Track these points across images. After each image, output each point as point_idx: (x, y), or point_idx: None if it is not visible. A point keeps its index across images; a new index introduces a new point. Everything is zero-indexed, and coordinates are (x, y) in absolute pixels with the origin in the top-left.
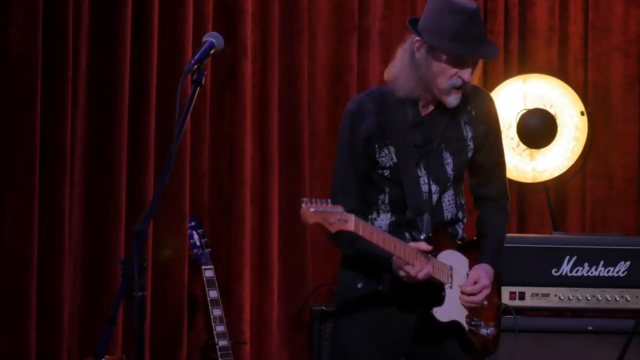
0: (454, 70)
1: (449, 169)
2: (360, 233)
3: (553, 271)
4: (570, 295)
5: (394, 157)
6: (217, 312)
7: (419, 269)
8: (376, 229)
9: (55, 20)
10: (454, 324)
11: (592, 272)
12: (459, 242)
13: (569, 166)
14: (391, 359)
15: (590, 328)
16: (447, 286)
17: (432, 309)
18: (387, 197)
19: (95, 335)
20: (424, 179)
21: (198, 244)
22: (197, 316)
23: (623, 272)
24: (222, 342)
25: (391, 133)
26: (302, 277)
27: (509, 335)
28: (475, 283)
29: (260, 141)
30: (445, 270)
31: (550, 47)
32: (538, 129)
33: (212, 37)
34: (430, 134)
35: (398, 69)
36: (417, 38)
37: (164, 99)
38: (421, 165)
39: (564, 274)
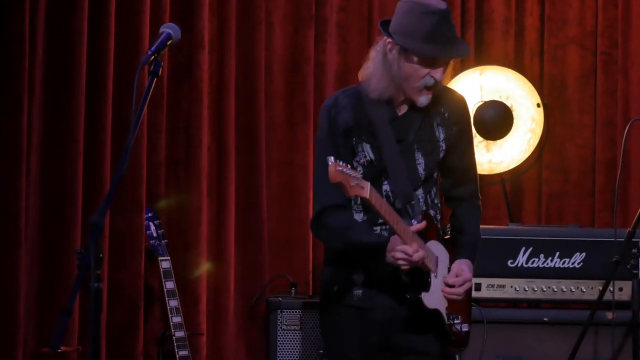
0: (426, 70)
1: (420, 168)
2: (373, 201)
3: (509, 262)
4: (526, 287)
5: (368, 154)
6: (173, 303)
7: (416, 249)
8: (385, 202)
9: (11, 10)
10: (436, 313)
11: (547, 264)
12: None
13: (524, 158)
14: (370, 353)
15: (545, 319)
16: (433, 275)
17: (420, 294)
18: (359, 197)
19: (52, 326)
20: None
21: (155, 235)
22: (153, 307)
23: (578, 264)
24: (179, 333)
25: (369, 128)
26: (259, 268)
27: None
28: (457, 276)
29: (217, 132)
30: (432, 259)
31: (506, 39)
32: (494, 120)
33: (169, 28)
34: (404, 134)
35: (371, 70)
36: (389, 40)
37: (121, 89)
38: None
39: (519, 265)
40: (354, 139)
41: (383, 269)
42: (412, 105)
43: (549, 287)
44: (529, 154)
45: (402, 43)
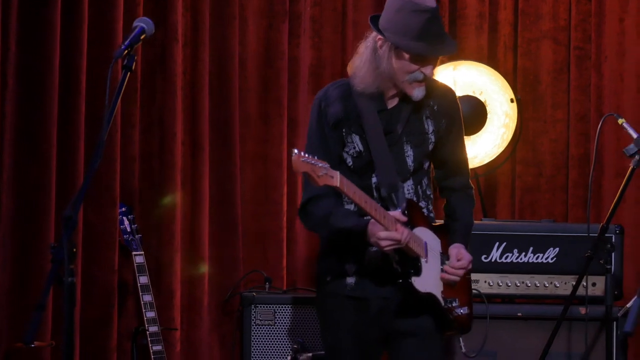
0: (415, 67)
1: (409, 160)
2: (345, 190)
3: (482, 257)
4: (499, 282)
5: (357, 145)
6: (147, 298)
7: (402, 231)
8: (359, 190)
9: None
10: (431, 297)
11: (521, 259)
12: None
13: (498, 153)
14: (367, 349)
15: (519, 314)
16: (423, 260)
17: (410, 278)
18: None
19: (25, 321)
20: None
21: (129, 229)
22: (127, 302)
23: (552, 259)
24: (153, 328)
25: (358, 120)
26: (233, 262)
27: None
28: (458, 260)
29: (190, 126)
30: (420, 244)
31: (480, 33)
32: (468, 115)
33: (143, 22)
34: (392, 126)
35: (358, 64)
36: (380, 36)
37: (95, 83)
38: None
39: (493, 260)
40: (343, 130)
41: (373, 257)
42: (402, 99)
43: (523, 282)
44: (502, 148)
45: (394, 41)
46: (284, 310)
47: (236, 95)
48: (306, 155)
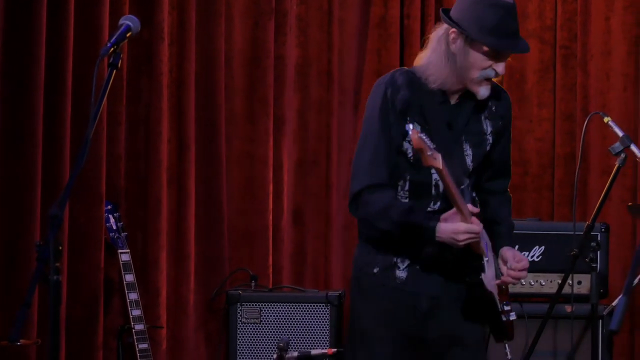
0: (489, 62)
1: (469, 160)
2: (444, 172)
3: None
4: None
5: None
6: (133, 296)
7: (479, 224)
8: (451, 178)
9: None
10: (491, 298)
11: None
12: None
13: None
14: (404, 343)
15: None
16: (485, 259)
17: (480, 275)
18: (407, 183)
19: (11, 319)
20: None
21: (114, 227)
22: (113, 300)
23: (538, 257)
24: (138, 326)
25: (423, 111)
26: (219, 260)
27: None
28: (518, 262)
29: (177, 124)
30: (484, 243)
31: None
32: None
33: (129, 20)
34: (454, 122)
35: (430, 59)
36: (453, 29)
37: (80, 81)
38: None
39: None
40: (408, 118)
41: (429, 252)
42: (464, 97)
43: None
44: None
45: (472, 34)
46: (269, 308)
47: (222, 93)
48: (420, 132)
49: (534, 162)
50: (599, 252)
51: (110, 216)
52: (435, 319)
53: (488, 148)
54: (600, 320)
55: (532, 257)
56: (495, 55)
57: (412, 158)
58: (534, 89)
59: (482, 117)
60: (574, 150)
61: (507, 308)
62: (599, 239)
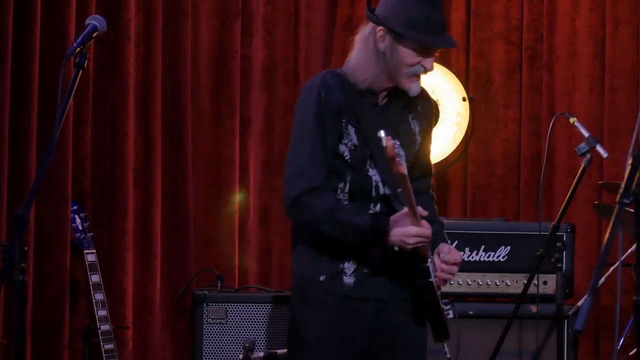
0: (418, 59)
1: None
2: (407, 179)
3: None
4: (451, 280)
5: (353, 138)
6: (99, 296)
7: (429, 227)
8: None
9: None
10: (436, 299)
11: (472, 257)
12: None
13: (450, 152)
14: (350, 352)
15: (470, 312)
16: (429, 260)
17: (430, 278)
18: (347, 185)
19: None
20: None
21: (80, 228)
22: (79, 300)
23: (503, 257)
24: (104, 327)
25: (356, 113)
26: (185, 261)
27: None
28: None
29: (143, 124)
30: (427, 245)
31: None
32: None
33: (95, 20)
34: (385, 123)
35: (359, 59)
36: (380, 27)
37: (47, 81)
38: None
39: None
40: (343, 120)
41: (374, 255)
42: (390, 98)
43: (474, 281)
44: (454, 147)
45: (399, 30)
46: (235, 308)
47: (188, 94)
48: (392, 139)
49: (500, 163)
50: (564, 252)
51: (76, 216)
52: (382, 324)
53: (417, 148)
54: (566, 321)
55: (497, 257)
56: (424, 51)
57: (349, 160)
58: (500, 90)
59: (410, 117)
60: (539, 150)
61: (446, 307)
62: (564, 239)
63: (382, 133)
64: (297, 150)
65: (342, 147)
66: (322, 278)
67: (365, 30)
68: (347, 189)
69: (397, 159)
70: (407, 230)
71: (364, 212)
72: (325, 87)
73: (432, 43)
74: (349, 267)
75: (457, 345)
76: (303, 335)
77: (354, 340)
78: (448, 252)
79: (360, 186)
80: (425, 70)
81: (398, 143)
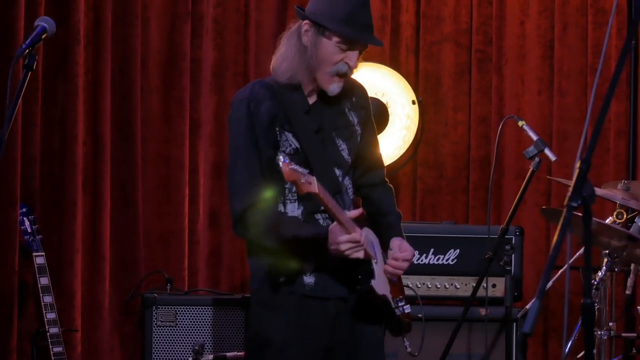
0: (341, 55)
1: (345, 154)
2: (322, 195)
3: None
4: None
5: (293, 142)
6: (48, 299)
7: (360, 232)
8: (327, 193)
9: None
10: (384, 300)
11: (422, 260)
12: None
13: (400, 154)
14: (313, 351)
15: (420, 315)
16: (374, 262)
17: (370, 282)
18: (294, 186)
19: None
20: None
21: (29, 230)
22: (27, 303)
23: (452, 260)
24: (53, 330)
25: (289, 118)
26: (134, 263)
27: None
28: (401, 251)
29: (92, 125)
30: (370, 246)
31: (382, 36)
32: None
33: (44, 22)
34: (320, 122)
35: (282, 54)
36: (306, 22)
37: None
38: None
39: None
40: (277, 128)
41: (329, 256)
42: (321, 94)
43: (424, 284)
44: (404, 150)
45: (323, 22)
46: (185, 311)
47: (138, 95)
48: (292, 163)
49: (449, 165)
50: (513, 255)
51: (25, 219)
52: (342, 322)
53: (359, 139)
54: (515, 323)
55: (447, 260)
56: (347, 46)
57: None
58: (449, 93)
59: (346, 109)
60: (489, 153)
61: (401, 303)
62: (513, 242)
63: (280, 158)
64: (234, 167)
65: (281, 155)
66: (282, 279)
67: (292, 27)
68: (294, 189)
69: (302, 180)
70: (338, 239)
71: (306, 224)
72: (254, 99)
73: (355, 37)
74: (308, 267)
75: (421, 339)
76: (266, 337)
77: (316, 339)
78: (398, 248)
79: None
80: (350, 69)
81: (295, 165)
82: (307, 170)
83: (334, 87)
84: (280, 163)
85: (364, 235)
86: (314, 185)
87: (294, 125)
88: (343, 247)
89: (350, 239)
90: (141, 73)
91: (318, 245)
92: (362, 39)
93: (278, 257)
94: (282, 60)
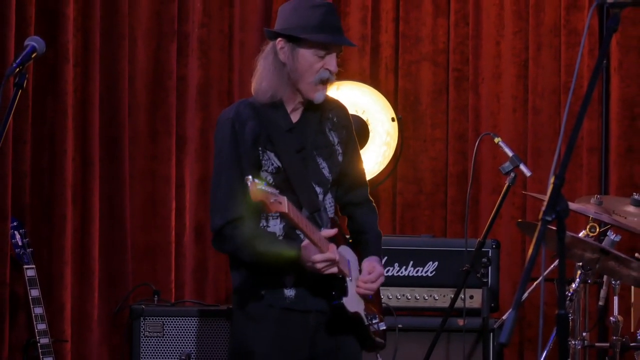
0: (321, 62)
1: (326, 172)
2: (291, 215)
3: None
4: (380, 295)
5: (275, 161)
6: (38, 310)
7: (334, 250)
8: (300, 214)
9: None
10: (357, 317)
11: (402, 272)
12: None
13: (380, 170)
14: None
15: (400, 326)
16: (348, 279)
17: (342, 299)
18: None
19: None
20: None
21: (20, 243)
22: (18, 315)
23: (431, 272)
24: (44, 340)
25: (271, 138)
26: (122, 276)
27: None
28: (369, 273)
29: (81, 142)
30: (345, 263)
31: (362, 55)
32: None
33: (34, 41)
34: (302, 141)
35: (261, 74)
36: (280, 39)
37: None
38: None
39: None
40: (260, 148)
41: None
42: (305, 111)
43: (403, 295)
44: (384, 166)
45: (296, 34)
46: (172, 322)
47: (126, 113)
48: (260, 182)
49: (427, 181)
50: (490, 267)
51: (16, 232)
52: (322, 334)
53: (341, 158)
54: (491, 333)
55: (425, 272)
56: (325, 52)
57: (273, 184)
58: (427, 110)
59: (326, 129)
60: (466, 169)
61: (375, 320)
62: (490, 255)
63: (249, 178)
64: (217, 183)
65: (263, 174)
66: (263, 292)
67: (266, 49)
68: None
69: (272, 200)
70: (313, 258)
71: (282, 241)
72: (239, 119)
73: (328, 41)
74: (289, 280)
75: (394, 350)
76: (248, 350)
77: (297, 351)
78: (368, 271)
79: (291, 200)
80: (331, 74)
81: (265, 185)
82: (277, 191)
83: (319, 95)
84: (249, 183)
85: (337, 253)
86: (284, 204)
87: (275, 145)
88: (319, 265)
89: (325, 258)
90: (129, 91)
91: (291, 263)
92: (338, 42)
93: (259, 271)
94: (261, 80)
